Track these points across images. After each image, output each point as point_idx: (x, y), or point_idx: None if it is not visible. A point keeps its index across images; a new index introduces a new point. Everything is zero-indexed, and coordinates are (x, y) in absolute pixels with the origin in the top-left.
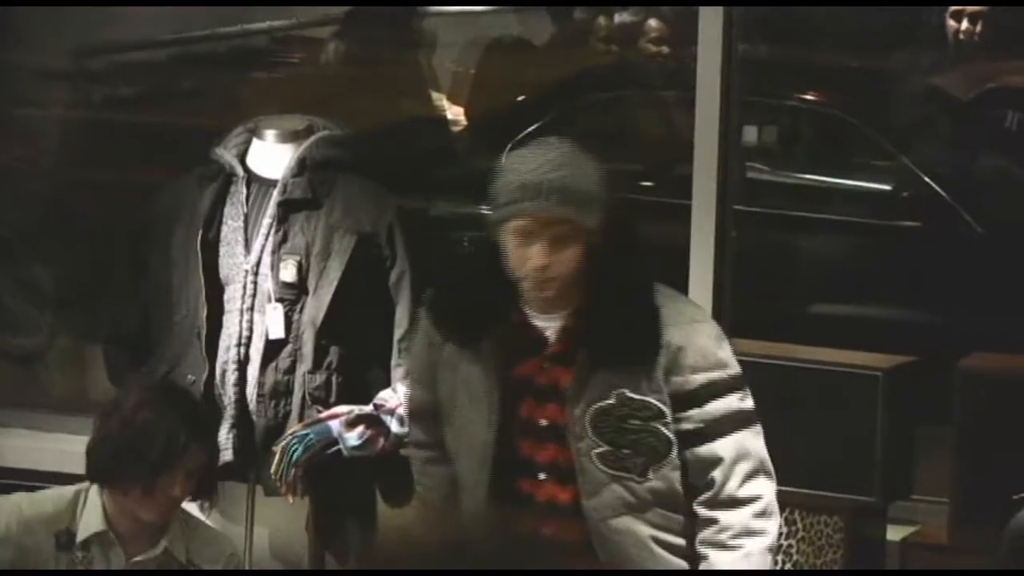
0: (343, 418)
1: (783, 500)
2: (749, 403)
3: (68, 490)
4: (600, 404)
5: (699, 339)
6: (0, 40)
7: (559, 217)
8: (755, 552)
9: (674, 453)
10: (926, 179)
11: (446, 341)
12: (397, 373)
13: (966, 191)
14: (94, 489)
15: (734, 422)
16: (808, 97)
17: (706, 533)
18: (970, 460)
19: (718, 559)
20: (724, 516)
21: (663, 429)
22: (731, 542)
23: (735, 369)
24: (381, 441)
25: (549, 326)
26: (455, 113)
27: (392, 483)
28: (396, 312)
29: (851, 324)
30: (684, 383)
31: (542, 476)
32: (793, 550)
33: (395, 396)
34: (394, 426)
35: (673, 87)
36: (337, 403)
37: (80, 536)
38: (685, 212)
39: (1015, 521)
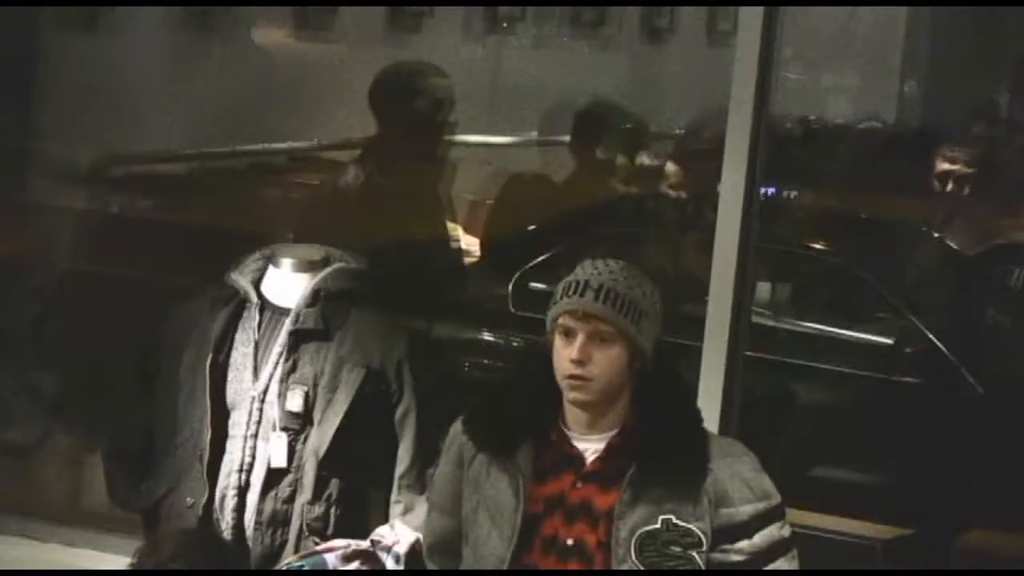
0: (339, 552)
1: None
2: (788, 530)
3: None
4: (647, 528)
5: (746, 470)
6: (22, 130)
7: (599, 314)
8: None
9: None
10: (929, 335)
11: (478, 454)
12: (396, 510)
13: (969, 349)
14: None
15: (777, 551)
16: (816, 246)
17: None
18: None
19: None
20: None
21: (698, 558)
22: None
23: (778, 498)
24: None
25: (588, 446)
26: (469, 243)
27: None
28: (399, 448)
29: (849, 486)
30: (734, 514)
31: None
32: None
33: (392, 533)
34: (390, 563)
35: (689, 228)
36: (334, 536)
37: None
38: (691, 353)
39: None
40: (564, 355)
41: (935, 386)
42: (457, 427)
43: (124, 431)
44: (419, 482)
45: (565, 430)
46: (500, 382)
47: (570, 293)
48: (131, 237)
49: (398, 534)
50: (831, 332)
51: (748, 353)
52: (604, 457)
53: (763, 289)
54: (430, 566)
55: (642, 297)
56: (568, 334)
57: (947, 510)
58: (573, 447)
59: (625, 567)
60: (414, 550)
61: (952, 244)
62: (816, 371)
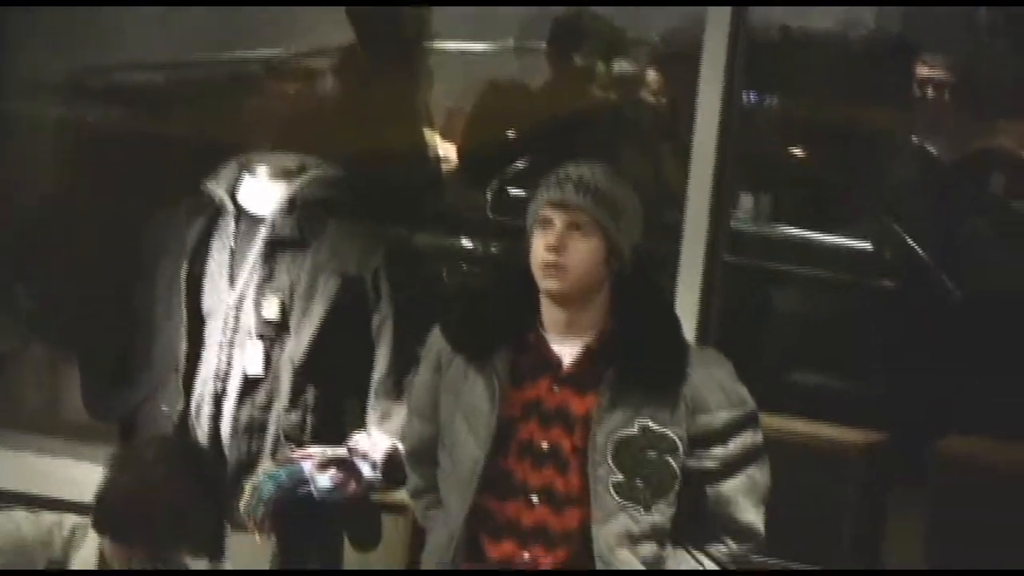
0: (316, 459)
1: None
2: (760, 437)
3: (68, 521)
4: (623, 433)
5: (723, 377)
6: None
7: (577, 204)
8: None
9: (677, 488)
10: (908, 240)
11: (456, 356)
12: (372, 416)
13: (947, 254)
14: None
15: (749, 458)
16: (795, 152)
17: (713, 551)
18: (939, 544)
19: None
20: (731, 544)
21: (674, 464)
22: (729, 566)
23: (753, 406)
24: (352, 485)
25: (565, 350)
26: (447, 151)
27: (359, 528)
28: (376, 355)
29: (826, 392)
30: (711, 421)
31: (535, 500)
32: None
33: (369, 440)
34: (366, 471)
35: (668, 137)
36: (311, 443)
37: (72, 567)
38: (668, 262)
39: None
40: (541, 244)
41: (913, 291)
42: (436, 332)
43: (100, 341)
44: (396, 389)
45: (543, 333)
46: (479, 287)
47: (550, 185)
48: (108, 148)
49: (374, 441)
50: (810, 237)
51: (727, 259)
52: (581, 361)
53: (742, 197)
54: (410, 472)
55: (622, 196)
56: (547, 224)
57: (923, 416)
58: (550, 350)
59: (600, 471)
60: (390, 457)
61: (931, 150)
62: (795, 276)
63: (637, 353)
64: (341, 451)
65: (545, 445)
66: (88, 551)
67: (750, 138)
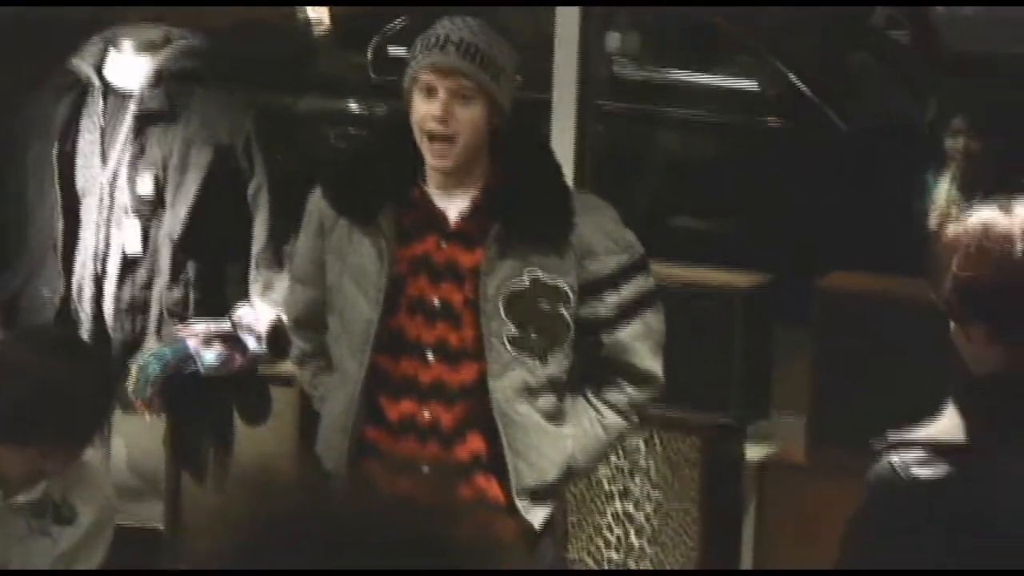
0: (200, 335)
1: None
2: (652, 282)
3: None
4: (514, 285)
5: (608, 223)
6: None
7: (461, 70)
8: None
9: (571, 338)
10: (792, 77)
11: (339, 218)
12: (255, 288)
13: (832, 88)
14: None
15: (643, 302)
16: None
17: (611, 398)
18: (827, 381)
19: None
20: (630, 390)
21: (566, 314)
22: (631, 415)
23: (641, 249)
24: (238, 359)
25: (451, 205)
26: (318, 12)
27: (248, 401)
28: (254, 226)
29: (711, 236)
30: (601, 268)
31: (430, 356)
32: (651, 471)
33: (252, 312)
34: (251, 344)
35: None
36: (195, 319)
37: None
38: (545, 107)
39: (871, 473)
40: (425, 112)
41: (799, 128)
42: (316, 195)
43: None
44: (276, 259)
45: (426, 189)
46: (357, 148)
47: (430, 47)
48: None
49: (258, 313)
50: (693, 79)
51: (608, 105)
52: (467, 216)
53: (616, 38)
54: (295, 339)
55: (500, 54)
56: (430, 92)
57: (808, 253)
58: (435, 207)
59: (494, 325)
60: (275, 328)
61: None
62: (677, 119)
63: (522, 204)
64: (225, 325)
65: (436, 301)
66: None
67: None
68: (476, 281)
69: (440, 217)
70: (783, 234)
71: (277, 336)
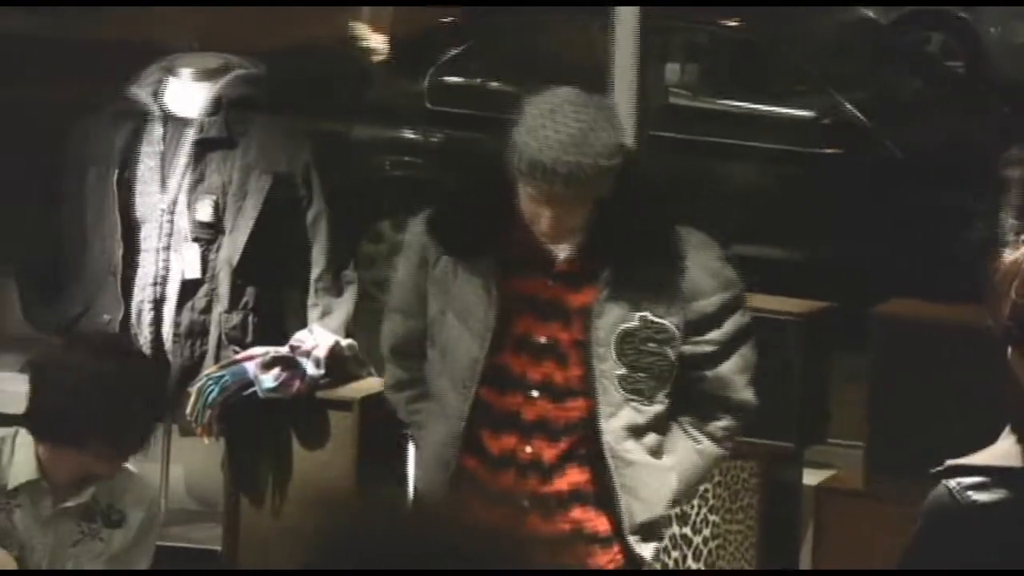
0: (259, 360)
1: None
2: (748, 316)
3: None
4: (626, 326)
5: (714, 262)
6: None
7: (568, 199)
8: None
9: (673, 376)
10: (848, 106)
11: (442, 256)
12: (313, 314)
13: (888, 117)
14: (23, 437)
15: (741, 337)
16: (728, 23)
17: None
18: (885, 407)
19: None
20: (728, 420)
21: (671, 353)
22: (726, 443)
23: (740, 286)
24: (297, 383)
25: (557, 246)
26: (377, 40)
27: (306, 425)
28: (313, 252)
29: (769, 264)
30: (706, 307)
31: (535, 393)
32: (709, 494)
33: (311, 337)
34: (310, 368)
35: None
36: (253, 343)
37: (10, 484)
38: None
39: (928, 498)
40: (533, 211)
41: (856, 157)
42: (417, 228)
43: (34, 252)
44: (335, 285)
45: (531, 227)
46: (456, 187)
47: (536, 176)
48: (29, 54)
49: (317, 338)
50: (749, 108)
51: (666, 134)
52: (575, 257)
53: (674, 69)
54: (391, 367)
55: (606, 149)
56: (535, 200)
57: (864, 282)
58: (541, 246)
59: (606, 366)
60: (334, 353)
61: (868, 13)
62: (735, 148)
63: (633, 247)
64: (284, 350)
65: (543, 339)
66: (25, 464)
67: (677, 7)
68: (584, 321)
69: (547, 257)
70: (840, 261)
71: (336, 361)
